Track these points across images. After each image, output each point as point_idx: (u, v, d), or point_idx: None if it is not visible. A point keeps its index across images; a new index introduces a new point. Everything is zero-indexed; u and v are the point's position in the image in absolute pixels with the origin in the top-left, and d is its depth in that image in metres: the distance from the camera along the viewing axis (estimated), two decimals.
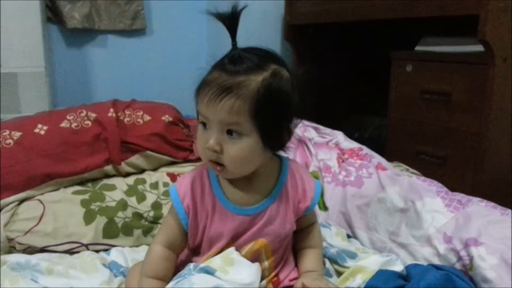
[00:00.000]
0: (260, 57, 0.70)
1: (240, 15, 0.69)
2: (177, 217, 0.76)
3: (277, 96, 0.69)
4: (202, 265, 0.71)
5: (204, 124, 0.70)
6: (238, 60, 0.68)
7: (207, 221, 0.75)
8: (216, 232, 0.75)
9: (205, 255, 0.78)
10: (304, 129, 1.34)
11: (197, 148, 0.74)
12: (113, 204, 1.05)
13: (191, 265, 0.72)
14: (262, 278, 0.78)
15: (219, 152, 0.69)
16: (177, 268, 0.78)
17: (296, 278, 0.82)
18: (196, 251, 0.80)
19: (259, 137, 0.69)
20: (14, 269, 0.83)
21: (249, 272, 0.71)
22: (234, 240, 0.76)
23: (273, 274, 0.80)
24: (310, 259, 0.82)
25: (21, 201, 1.03)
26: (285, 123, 0.72)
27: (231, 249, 0.74)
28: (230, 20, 0.69)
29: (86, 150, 1.10)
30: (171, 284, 0.70)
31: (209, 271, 0.70)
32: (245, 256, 0.76)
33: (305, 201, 0.79)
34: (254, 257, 0.77)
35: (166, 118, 1.20)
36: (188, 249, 0.81)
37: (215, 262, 0.72)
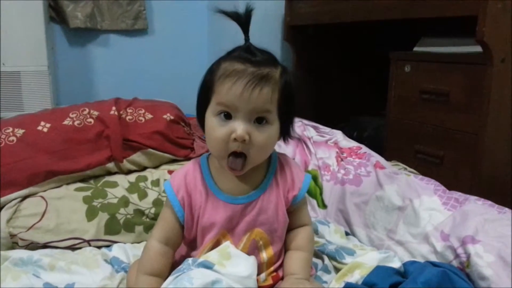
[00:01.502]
0: (268, 53, 0.74)
1: (252, 14, 0.73)
2: (173, 211, 0.77)
3: (291, 88, 0.74)
4: (200, 259, 0.72)
5: (225, 115, 0.70)
6: (256, 52, 0.72)
7: (200, 211, 0.77)
8: (209, 221, 0.76)
9: (200, 247, 0.78)
10: (304, 128, 1.35)
11: (212, 142, 0.73)
12: (115, 201, 1.06)
13: (190, 260, 0.72)
14: (261, 271, 0.79)
15: (247, 141, 0.69)
16: (177, 263, 0.78)
17: None
18: (192, 246, 0.81)
19: (278, 126, 0.73)
20: (16, 265, 0.84)
21: (246, 264, 0.72)
22: (229, 231, 0.77)
23: (272, 268, 0.81)
24: (293, 261, 0.81)
25: (24, 197, 1.04)
26: (294, 115, 0.77)
27: (227, 243, 0.75)
28: (245, 19, 0.73)
29: (89, 148, 1.11)
30: (170, 279, 0.70)
31: (207, 266, 0.70)
32: (243, 247, 0.77)
33: (293, 190, 0.80)
34: (251, 247, 0.78)
35: (168, 116, 1.21)
36: (185, 244, 0.82)
37: (212, 256, 0.72)
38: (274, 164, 0.80)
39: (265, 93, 0.69)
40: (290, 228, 0.83)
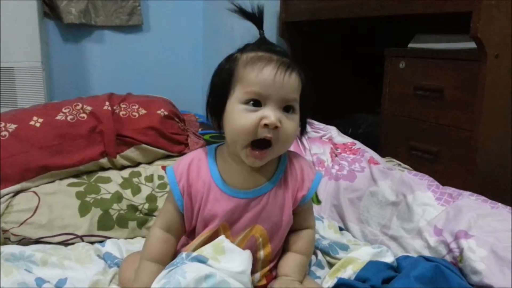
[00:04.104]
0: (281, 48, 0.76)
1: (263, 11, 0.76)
2: (174, 198, 0.77)
3: (307, 82, 0.75)
4: (194, 254, 0.72)
5: (254, 103, 0.69)
6: (274, 44, 0.75)
7: (202, 202, 0.76)
8: (210, 213, 0.75)
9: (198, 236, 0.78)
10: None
11: (237, 128, 0.70)
12: (108, 196, 1.06)
13: (184, 254, 0.72)
14: (256, 270, 0.78)
15: (279, 128, 0.69)
16: (176, 254, 0.78)
17: None
18: (192, 236, 0.80)
19: (298, 115, 0.74)
20: (8, 260, 0.84)
21: (241, 260, 0.71)
22: (231, 225, 0.76)
23: (267, 268, 0.80)
24: (289, 263, 0.80)
25: (16, 192, 1.03)
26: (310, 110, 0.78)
27: (222, 237, 0.74)
28: (258, 16, 0.75)
29: (82, 143, 1.10)
30: (163, 273, 0.70)
31: (201, 260, 0.70)
32: (241, 241, 0.76)
33: (302, 190, 0.79)
34: (250, 243, 0.77)
35: (162, 112, 1.21)
36: (186, 234, 0.81)
37: (206, 251, 0.72)
38: (284, 161, 0.79)
39: (293, 79, 0.70)
40: (293, 229, 0.82)
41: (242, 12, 0.75)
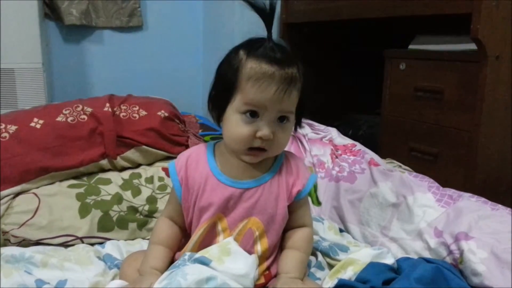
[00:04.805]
0: (286, 48, 0.76)
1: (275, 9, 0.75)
2: (174, 189, 0.81)
3: (306, 82, 0.77)
4: (197, 255, 0.72)
5: (251, 114, 0.72)
6: (279, 51, 0.73)
7: (199, 192, 0.78)
8: (207, 202, 0.78)
9: (195, 230, 0.79)
10: None
11: (234, 137, 0.75)
12: (108, 198, 1.06)
13: (186, 255, 0.73)
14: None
15: (271, 139, 0.73)
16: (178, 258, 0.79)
17: None
18: (190, 231, 0.82)
19: (294, 121, 0.78)
20: (8, 262, 0.83)
21: (245, 263, 0.72)
22: (226, 214, 0.78)
23: (265, 264, 0.80)
24: (288, 260, 0.81)
25: (17, 194, 1.03)
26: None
27: (229, 239, 0.75)
28: (269, 14, 0.74)
29: (82, 144, 1.10)
30: (165, 274, 0.70)
31: (204, 262, 0.70)
32: (239, 234, 0.78)
33: (298, 185, 0.81)
34: (247, 237, 0.78)
35: (162, 113, 1.21)
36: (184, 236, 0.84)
37: (212, 251, 0.73)
38: (281, 158, 0.82)
39: (292, 96, 0.73)
40: (290, 227, 0.84)
41: (253, 6, 0.74)
